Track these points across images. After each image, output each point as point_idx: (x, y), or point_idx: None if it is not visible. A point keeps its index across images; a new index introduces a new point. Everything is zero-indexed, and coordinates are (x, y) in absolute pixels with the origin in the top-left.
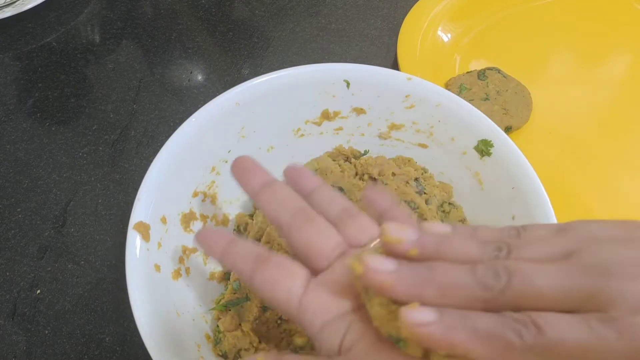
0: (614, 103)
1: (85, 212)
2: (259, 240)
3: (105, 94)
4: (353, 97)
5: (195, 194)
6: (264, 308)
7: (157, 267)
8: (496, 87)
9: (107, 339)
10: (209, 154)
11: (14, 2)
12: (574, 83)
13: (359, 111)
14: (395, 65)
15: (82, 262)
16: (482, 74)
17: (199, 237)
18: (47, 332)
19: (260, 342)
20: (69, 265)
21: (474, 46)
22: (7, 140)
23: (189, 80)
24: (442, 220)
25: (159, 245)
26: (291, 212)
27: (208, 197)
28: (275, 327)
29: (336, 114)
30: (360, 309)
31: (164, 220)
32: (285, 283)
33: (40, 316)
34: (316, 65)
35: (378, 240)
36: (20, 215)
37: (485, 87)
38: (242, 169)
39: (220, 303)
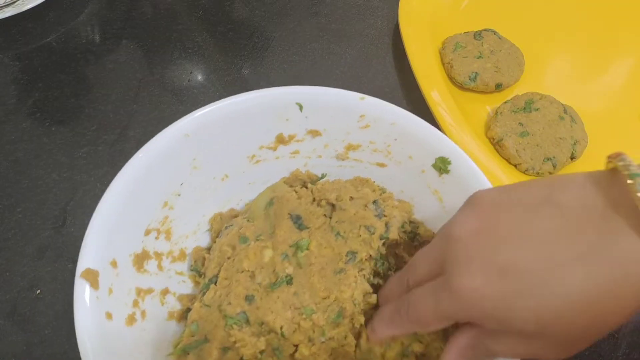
0: (606, 70)
1: (85, 212)
2: (216, 276)
3: (105, 94)
4: (307, 119)
5: (147, 232)
6: (224, 349)
7: (109, 315)
8: (490, 47)
9: None
10: (160, 189)
11: (14, 2)
12: (568, 48)
13: (315, 133)
14: (396, 66)
15: None
16: (478, 35)
17: None
18: (46, 332)
19: None
20: (69, 265)
21: (473, 9)
22: (6, 140)
23: (188, 81)
24: (402, 239)
25: (110, 291)
26: None
27: (162, 234)
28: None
29: (291, 137)
30: None
31: (114, 263)
32: None
33: (40, 316)
34: (265, 90)
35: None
36: (19, 215)
37: (480, 47)
38: None
39: (178, 347)
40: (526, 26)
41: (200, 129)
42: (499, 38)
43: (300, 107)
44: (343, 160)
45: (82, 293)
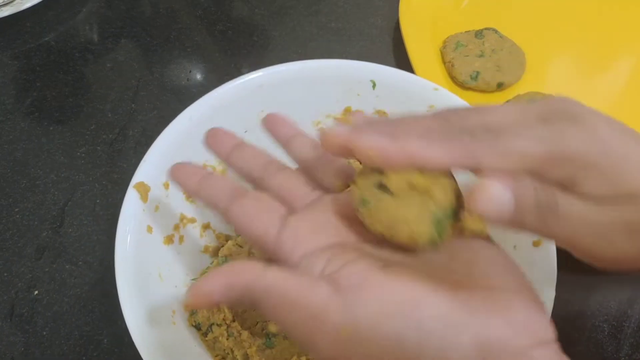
0: (608, 69)
1: (83, 212)
2: None
3: (103, 94)
4: (377, 99)
5: (204, 167)
6: None
7: (150, 229)
8: (492, 46)
9: (106, 340)
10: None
11: (12, 1)
12: (570, 48)
13: (381, 114)
14: (396, 65)
15: (80, 263)
16: (479, 34)
17: (172, 170)
18: (45, 333)
19: (234, 320)
20: (67, 266)
21: (474, 8)
22: (4, 140)
23: (187, 80)
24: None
25: (157, 208)
26: (262, 165)
27: (217, 172)
28: (252, 309)
29: (359, 112)
30: (340, 244)
31: (166, 185)
32: (263, 216)
33: (38, 317)
34: (344, 60)
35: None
36: (17, 216)
37: (481, 46)
38: (214, 138)
39: (203, 274)
40: (528, 25)
41: (274, 84)
42: (500, 37)
43: (374, 85)
44: None
45: (131, 201)
